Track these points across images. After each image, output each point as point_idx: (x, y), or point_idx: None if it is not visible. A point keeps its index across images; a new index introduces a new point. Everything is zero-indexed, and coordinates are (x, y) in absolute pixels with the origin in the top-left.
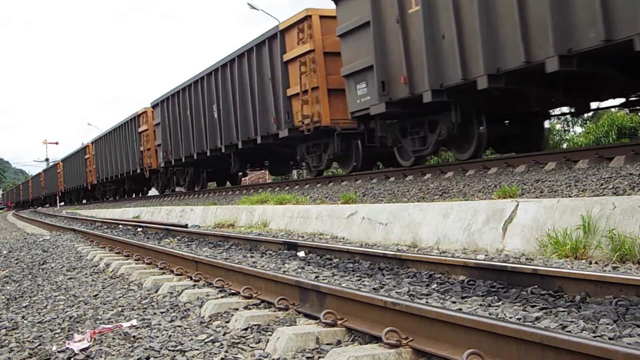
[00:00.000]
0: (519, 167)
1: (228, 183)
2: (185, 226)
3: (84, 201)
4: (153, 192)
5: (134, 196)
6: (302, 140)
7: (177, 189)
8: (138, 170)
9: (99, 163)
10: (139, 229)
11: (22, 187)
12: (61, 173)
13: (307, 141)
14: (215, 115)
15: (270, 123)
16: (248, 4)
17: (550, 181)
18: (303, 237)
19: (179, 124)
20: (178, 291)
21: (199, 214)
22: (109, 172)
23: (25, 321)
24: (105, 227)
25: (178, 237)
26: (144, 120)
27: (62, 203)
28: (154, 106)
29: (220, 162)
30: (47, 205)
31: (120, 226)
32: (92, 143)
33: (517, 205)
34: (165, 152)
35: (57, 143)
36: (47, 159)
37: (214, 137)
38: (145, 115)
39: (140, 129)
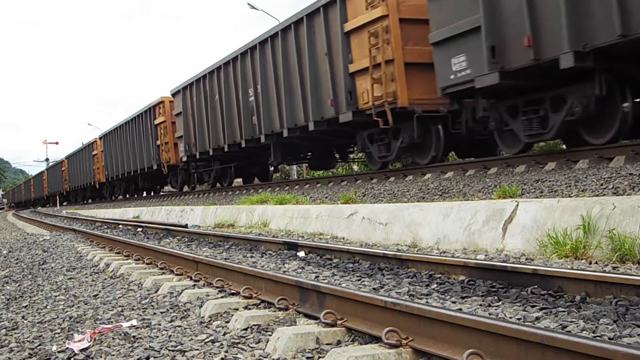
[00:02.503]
0: (519, 167)
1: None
2: (185, 226)
3: (90, 201)
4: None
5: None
6: (364, 127)
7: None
8: (154, 166)
9: (107, 160)
10: (139, 229)
11: (23, 186)
12: (66, 171)
13: (371, 127)
14: (252, 100)
15: (325, 106)
16: (248, 4)
17: (550, 181)
18: (303, 237)
19: (206, 113)
20: (178, 291)
21: (199, 214)
22: (120, 169)
23: (25, 321)
24: (105, 227)
25: (178, 237)
26: (161, 111)
27: (65, 203)
28: (174, 94)
29: (253, 155)
30: (49, 205)
31: (120, 226)
32: (100, 138)
33: (517, 205)
34: (188, 145)
35: (57, 143)
36: (47, 159)
37: (250, 125)
38: (162, 105)
39: (156, 121)
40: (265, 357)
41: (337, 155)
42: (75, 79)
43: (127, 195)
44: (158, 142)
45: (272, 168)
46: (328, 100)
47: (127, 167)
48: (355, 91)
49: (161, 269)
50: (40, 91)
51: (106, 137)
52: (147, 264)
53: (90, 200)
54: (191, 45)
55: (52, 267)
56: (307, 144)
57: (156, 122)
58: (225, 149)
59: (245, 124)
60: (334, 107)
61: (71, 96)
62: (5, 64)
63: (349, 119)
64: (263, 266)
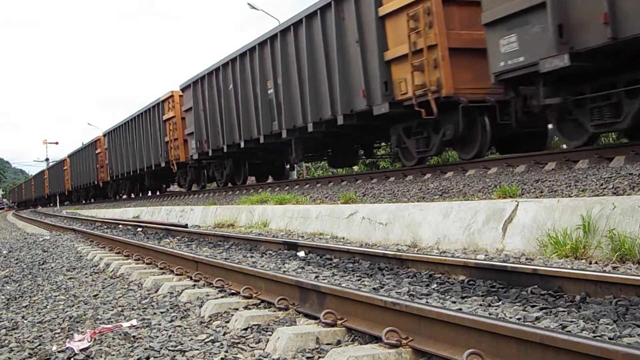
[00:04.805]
0: (519, 167)
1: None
2: (185, 226)
3: (89, 200)
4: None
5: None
6: (398, 120)
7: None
8: (162, 164)
9: (112, 158)
10: (139, 229)
11: (33, 181)
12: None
13: (408, 120)
14: (271, 94)
15: (356, 97)
16: (248, 4)
17: (550, 181)
18: (303, 237)
19: (219, 108)
20: (178, 291)
21: (199, 214)
22: (124, 168)
23: (25, 321)
24: (105, 227)
25: (178, 237)
26: (170, 106)
27: (87, 200)
28: (183, 89)
29: (270, 152)
30: (81, 202)
31: (120, 226)
32: (104, 136)
33: (517, 205)
34: (199, 142)
35: (57, 143)
36: (47, 159)
37: (269, 120)
38: (171, 100)
39: (165, 117)
40: (265, 357)
41: (361, 152)
42: (75, 79)
43: (132, 195)
44: (167, 139)
45: (287, 166)
46: (360, 91)
47: (132, 165)
48: (392, 81)
49: (161, 269)
50: (40, 91)
51: (110, 134)
52: (147, 263)
53: (89, 200)
54: (191, 45)
55: (52, 267)
56: (330, 140)
57: (164, 117)
58: (242, 145)
59: (264, 119)
60: (366, 99)
61: (71, 96)
62: (5, 64)
63: (386, 110)
64: (263, 266)
